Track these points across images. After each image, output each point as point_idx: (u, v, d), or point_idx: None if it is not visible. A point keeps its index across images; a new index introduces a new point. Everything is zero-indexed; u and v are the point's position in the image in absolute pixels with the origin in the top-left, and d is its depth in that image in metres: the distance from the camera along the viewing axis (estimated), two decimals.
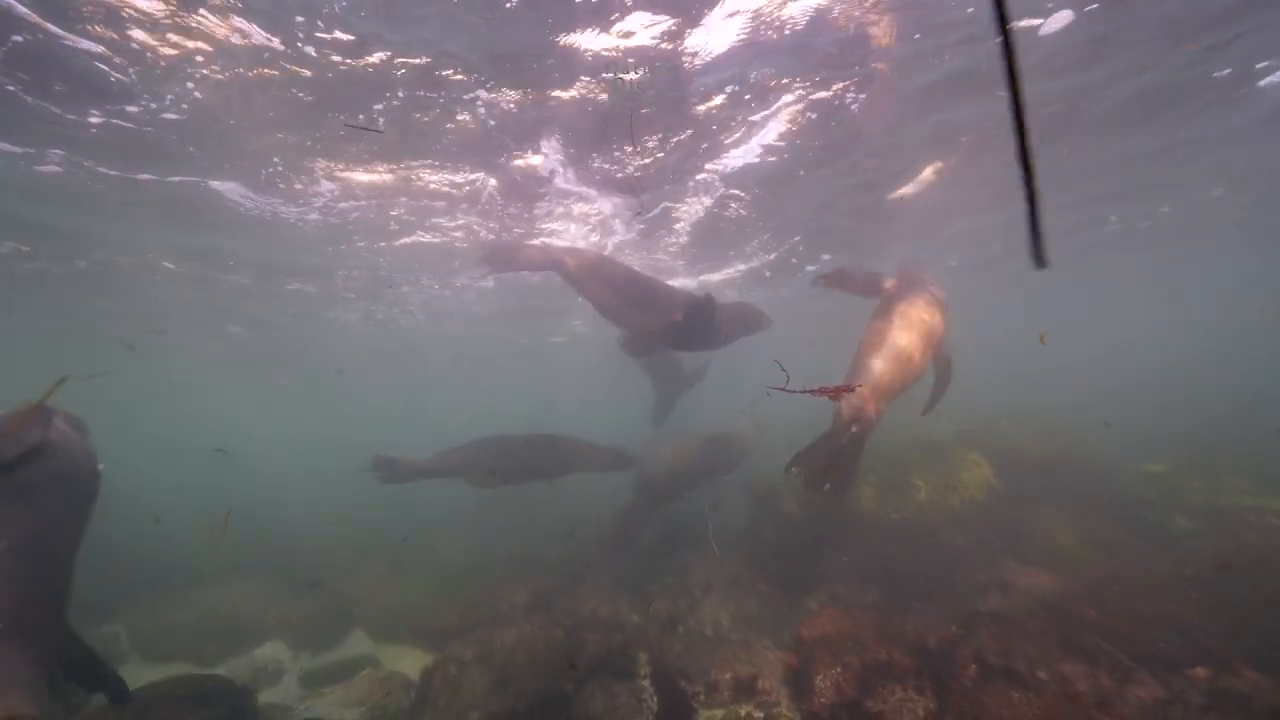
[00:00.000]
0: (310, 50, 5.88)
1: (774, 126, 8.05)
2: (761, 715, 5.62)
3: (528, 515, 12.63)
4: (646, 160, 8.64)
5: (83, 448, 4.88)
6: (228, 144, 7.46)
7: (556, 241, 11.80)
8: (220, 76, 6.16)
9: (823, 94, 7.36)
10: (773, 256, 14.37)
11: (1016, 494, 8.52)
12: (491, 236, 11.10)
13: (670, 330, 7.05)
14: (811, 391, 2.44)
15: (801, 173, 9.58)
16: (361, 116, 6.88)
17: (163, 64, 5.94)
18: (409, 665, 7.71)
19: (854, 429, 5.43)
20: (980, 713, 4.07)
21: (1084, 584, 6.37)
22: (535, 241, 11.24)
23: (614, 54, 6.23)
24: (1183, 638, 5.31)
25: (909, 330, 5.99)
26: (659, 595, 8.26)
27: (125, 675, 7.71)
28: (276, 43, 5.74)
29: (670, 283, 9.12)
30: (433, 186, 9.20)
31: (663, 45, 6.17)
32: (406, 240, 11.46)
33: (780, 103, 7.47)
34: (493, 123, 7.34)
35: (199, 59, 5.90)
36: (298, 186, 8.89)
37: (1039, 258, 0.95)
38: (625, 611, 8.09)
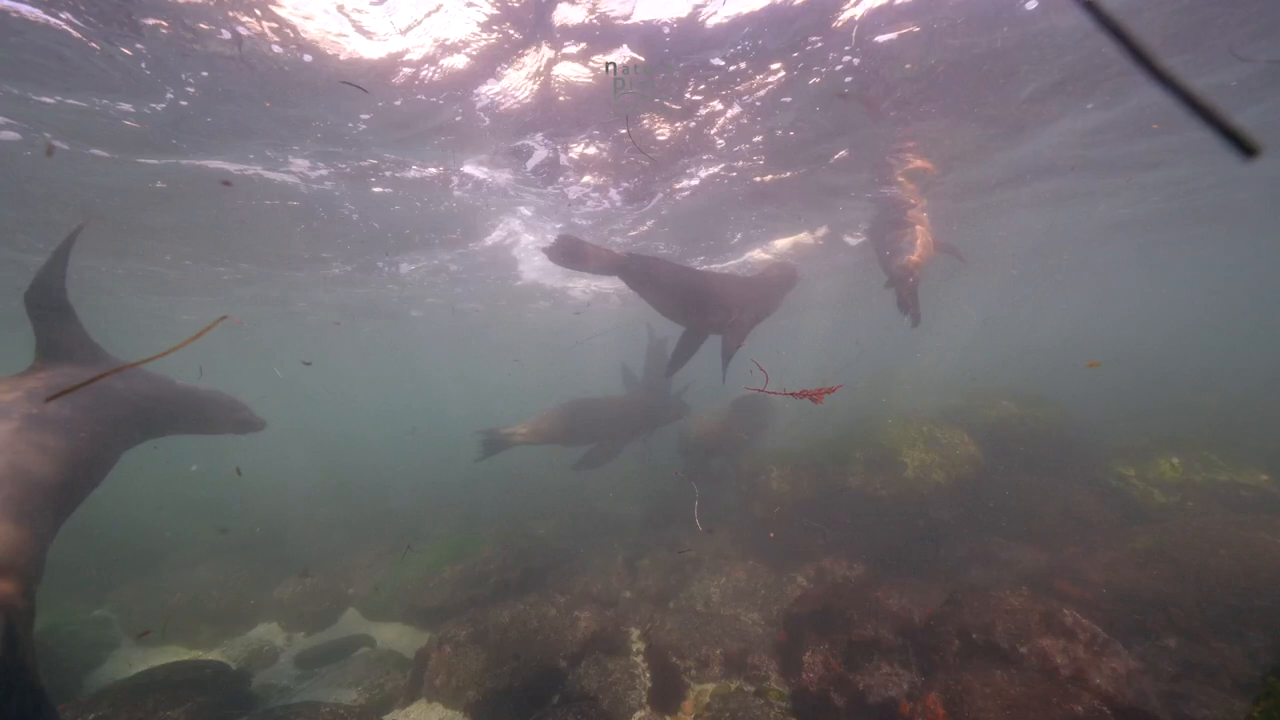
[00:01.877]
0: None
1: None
2: (752, 690, 5.77)
3: (520, 494, 12.69)
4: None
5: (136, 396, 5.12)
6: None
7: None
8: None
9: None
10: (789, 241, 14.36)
11: (1001, 469, 8.70)
12: (562, 232, 11.36)
13: (724, 327, 7.20)
14: (793, 394, 2.41)
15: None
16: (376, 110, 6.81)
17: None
18: (404, 644, 7.78)
19: (910, 280, 8.24)
20: (963, 689, 4.21)
21: (1064, 558, 6.56)
22: (600, 245, 11.47)
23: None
24: (1156, 610, 5.51)
25: (923, 229, 9.34)
26: (650, 571, 8.40)
27: (118, 659, 7.80)
28: None
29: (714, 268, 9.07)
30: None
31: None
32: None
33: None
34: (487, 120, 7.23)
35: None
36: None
37: (1246, 145, 0.70)
38: (617, 587, 8.22)
